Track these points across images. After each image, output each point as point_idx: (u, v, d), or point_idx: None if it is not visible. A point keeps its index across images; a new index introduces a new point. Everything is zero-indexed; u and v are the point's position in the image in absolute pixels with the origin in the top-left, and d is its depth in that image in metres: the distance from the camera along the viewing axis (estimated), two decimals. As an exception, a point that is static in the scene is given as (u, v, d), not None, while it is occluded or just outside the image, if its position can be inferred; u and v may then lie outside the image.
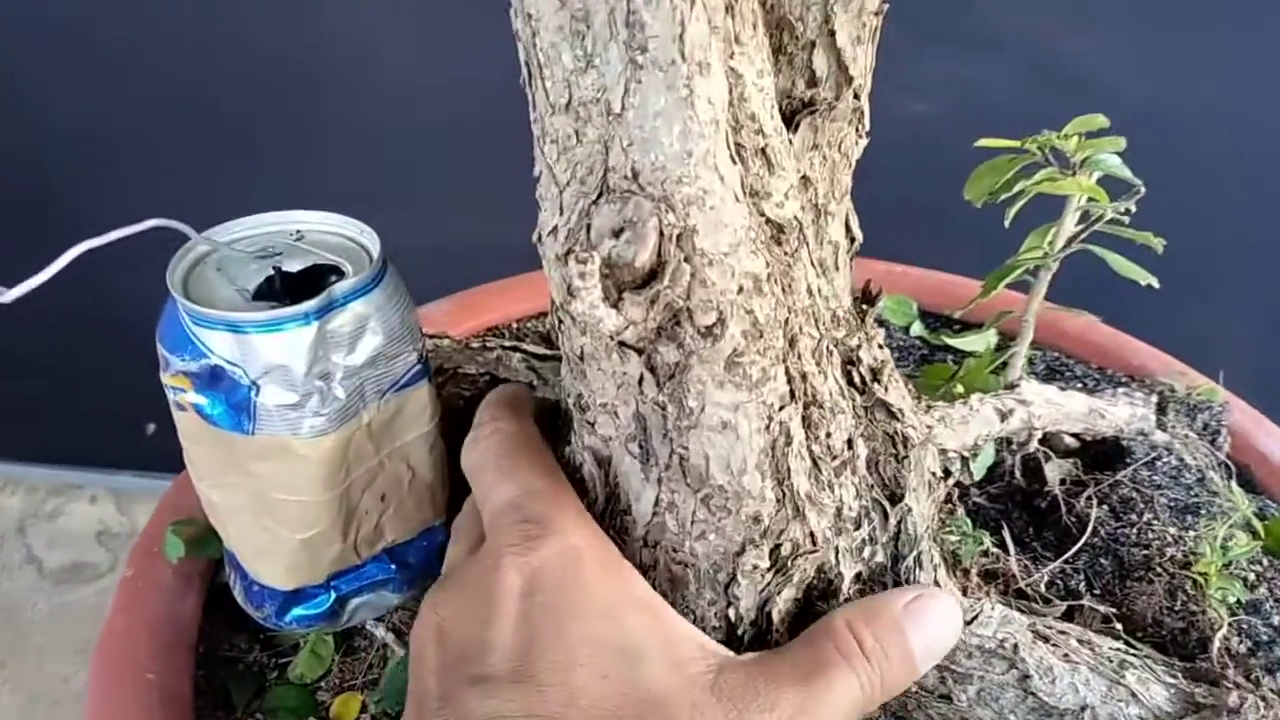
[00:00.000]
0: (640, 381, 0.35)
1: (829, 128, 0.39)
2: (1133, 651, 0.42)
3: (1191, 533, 0.50)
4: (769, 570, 0.38)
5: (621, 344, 0.34)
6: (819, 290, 0.39)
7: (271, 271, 0.42)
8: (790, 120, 0.38)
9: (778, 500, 0.37)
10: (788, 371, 0.36)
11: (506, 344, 0.58)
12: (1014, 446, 0.54)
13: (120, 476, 1.32)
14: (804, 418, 0.38)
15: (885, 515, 0.41)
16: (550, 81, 0.32)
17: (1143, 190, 0.46)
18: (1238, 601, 0.47)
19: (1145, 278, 0.48)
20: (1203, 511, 0.51)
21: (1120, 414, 0.55)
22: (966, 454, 0.49)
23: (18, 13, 0.97)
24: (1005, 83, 0.88)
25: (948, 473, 0.47)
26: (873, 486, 0.41)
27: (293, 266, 0.43)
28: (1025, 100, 0.84)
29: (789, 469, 0.37)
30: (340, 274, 0.42)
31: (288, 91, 0.99)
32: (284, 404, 0.40)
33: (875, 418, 0.42)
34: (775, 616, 0.39)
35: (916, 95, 0.90)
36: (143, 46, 0.98)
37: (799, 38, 0.37)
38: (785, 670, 0.36)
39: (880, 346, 0.43)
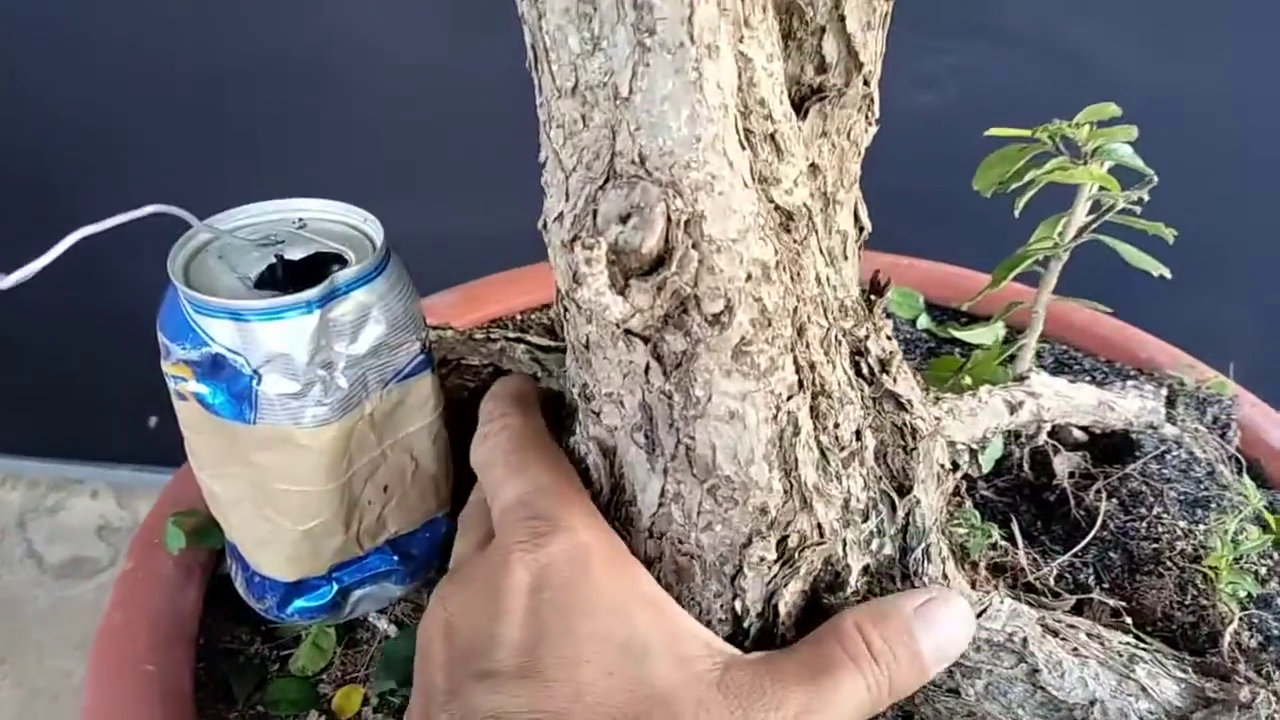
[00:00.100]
0: (646, 370, 0.35)
1: (838, 115, 0.38)
2: (1142, 646, 0.41)
3: (1202, 526, 0.49)
4: (776, 562, 0.38)
5: (628, 332, 0.34)
6: (827, 279, 0.39)
7: (274, 259, 0.42)
8: (799, 107, 0.38)
9: (785, 491, 0.37)
10: (796, 361, 0.36)
11: (510, 335, 0.58)
12: (1022, 439, 0.54)
13: (121, 470, 1.31)
14: (812, 408, 0.37)
15: (893, 507, 0.41)
16: (556, 65, 0.32)
17: (1155, 180, 0.45)
18: (1249, 596, 0.47)
19: (1157, 268, 0.47)
20: (1213, 505, 0.51)
21: (1130, 407, 0.54)
22: (975, 446, 0.48)
23: (18, 3, 0.97)
24: (1012, 73, 0.88)
25: (956, 465, 0.47)
26: (881, 478, 0.41)
27: (295, 255, 0.42)
28: (1032, 91, 0.84)
29: (796, 460, 0.37)
30: (343, 262, 0.42)
31: (290, 82, 0.99)
32: (286, 393, 0.40)
33: (884, 409, 0.41)
34: (782, 609, 0.38)
35: (923, 86, 0.89)
36: (144, 36, 0.97)
37: (809, 23, 0.37)
38: (792, 670, 0.35)
39: (889, 337, 0.43)
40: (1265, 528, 0.50)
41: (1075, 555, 0.49)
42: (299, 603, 0.46)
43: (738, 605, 0.38)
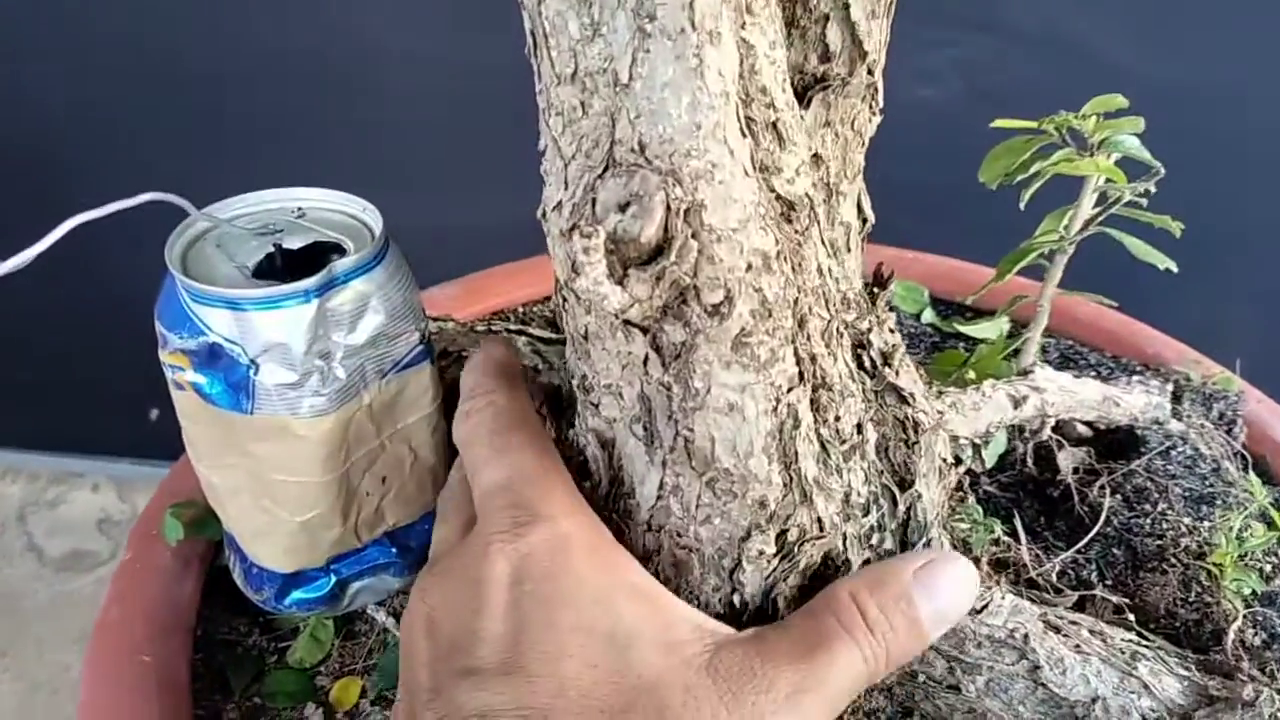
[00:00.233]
0: (645, 362, 0.34)
1: (842, 104, 0.38)
2: (1145, 643, 0.41)
3: (1206, 523, 0.49)
4: (775, 556, 0.37)
5: (626, 323, 0.34)
6: (829, 271, 0.38)
7: (272, 249, 0.42)
8: (802, 96, 0.37)
9: (785, 484, 0.37)
10: (796, 353, 0.36)
11: (512, 327, 0.57)
12: (1026, 434, 0.53)
13: (122, 464, 1.31)
14: (813, 400, 0.37)
15: (894, 501, 0.40)
16: (556, 51, 0.31)
17: (1162, 172, 0.45)
18: (1253, 593, 0.46)
19: (1163, 262, 0.47)
20: (1218, 502, 0.50)
21: (1135, 402, 0.54)
22: (978, 441, 0.48)
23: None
24: (1015, 66, 0.87)
25: (959, 460, 0.46)
26: (882, 472, 0.41)
27: (294, 244, 0.42)
28: (1035, 84, 0.83)
29: (796, 453, 0.36)
30: (342, 252, 0.41)
31: (290, 72, 0.99)
32: (283, 383, 0.39)
33: (885, 402, 0.41)
34: (781, 604, 0.38)
35: (926, 79, 0.89)
36: (143, 28, 0.97)
37: (812, 10, 0.36)
38: (784, 647, 0.34)
39: (891, 330, 0.42)
40: (1270, 524, 0.49)
41: (1078, 551, 0.48)
42: (297, 594, 0.46)
43: (736, 599, 0.38)
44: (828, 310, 0.38)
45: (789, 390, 0.35)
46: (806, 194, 0.36)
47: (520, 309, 0.71)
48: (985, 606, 0.40)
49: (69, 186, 1.02)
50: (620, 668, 0.33)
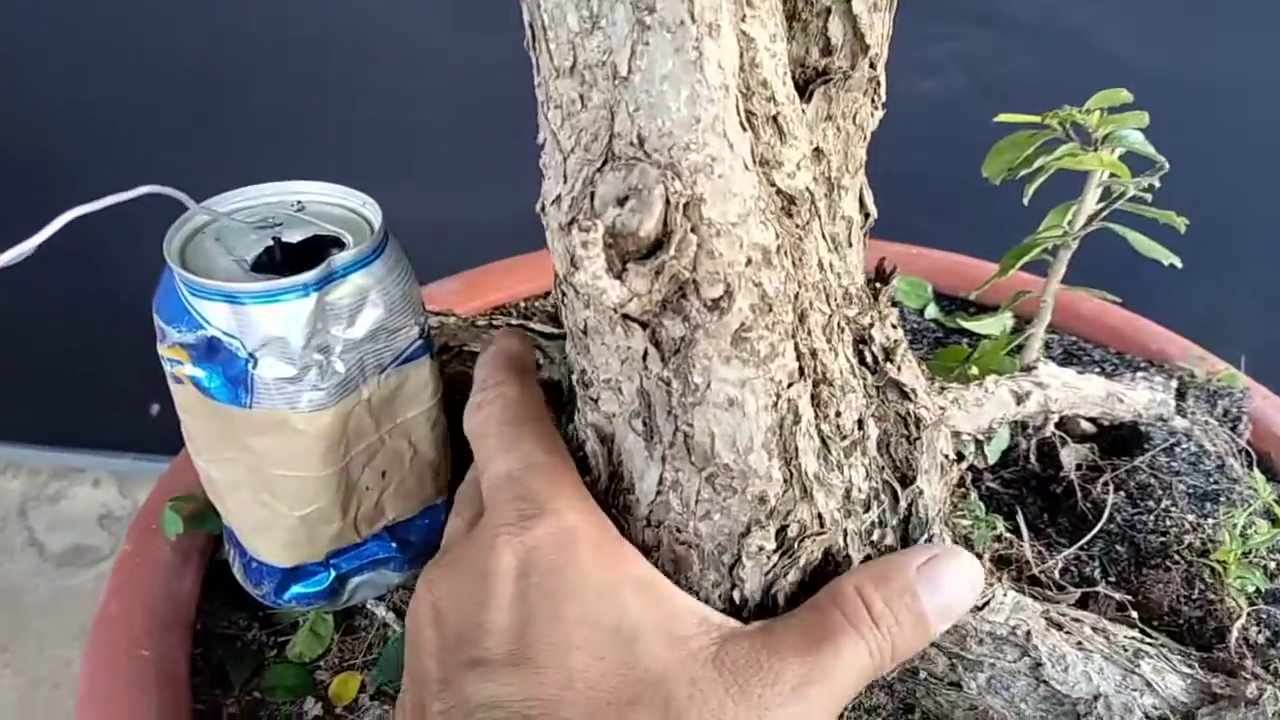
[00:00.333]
0: (644, 356, 0.34)
1: (844, 98, 0.38)
2: (1148, 640, 0.41)
3: (1210, 520, 0.49)
4: (775, 552, 0.37)
5: (625, 317, 0.33)
6: (831, 266, 0.38)
7: (271, 242, 0.42)
8: (804, 90, 0.37)
9: (785, 480, 0.36)
10: (797, 348, 0.35)
11: (513, 322, 0.57)
12: (1029, 430, 0.53)
13: (123, 459, 1.31)
14: (813, 396, 0.37)
15: (896, 498, 0.40)
16: (554, 44, 0.31)
17: (1166, 167, 0.45)
18: (1257, 590, 0.46)
19: (1168, 257, 0.47)
20: (1222, 499, 0.50)
21: (1139, 399, 0.54)
22: (981, 437, 0.48)
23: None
24: (1016, 60, 0.87)
25: (961, 456, 0.46)
26: (883, 468, 0.40)
27: (293, 237, 0.42)
28: (1037, 78, 0.83)
29: (797, 448, 0.36)
30: (341, 246, 0.41)
31: (290, 65, 0.98)
32: (282, 377, 0.39)
33: (887, 398, 0.41)
34: (781, 600, 0.38)
35: (927, 73, 0.88)
36: (143, 19, 0.97)
37: (814, 3, 0.36)
38: (790, 640, 0.35)
39: (894, 326, 0.42)
40: (1275, 522, 0.49)
41: (1081, 548, 0.48)
42: (296, 589, 0.46)
43: (736, 595, 0.38)
44: (829, 305, 0.37)
45: (789, 385, 0.35)
46: (807, 188, 0.35)
47: (521, 304, 0.71)
48: (987, 603, 0.39)
49: (67, 180, 1.02)
50: (627, 660, 0.33)
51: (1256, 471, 0.53)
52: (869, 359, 0.41)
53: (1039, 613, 0.40)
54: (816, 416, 0.37)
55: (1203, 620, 0.45)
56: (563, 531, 0.35)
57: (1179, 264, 0.47)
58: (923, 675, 0.40)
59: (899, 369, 0.41)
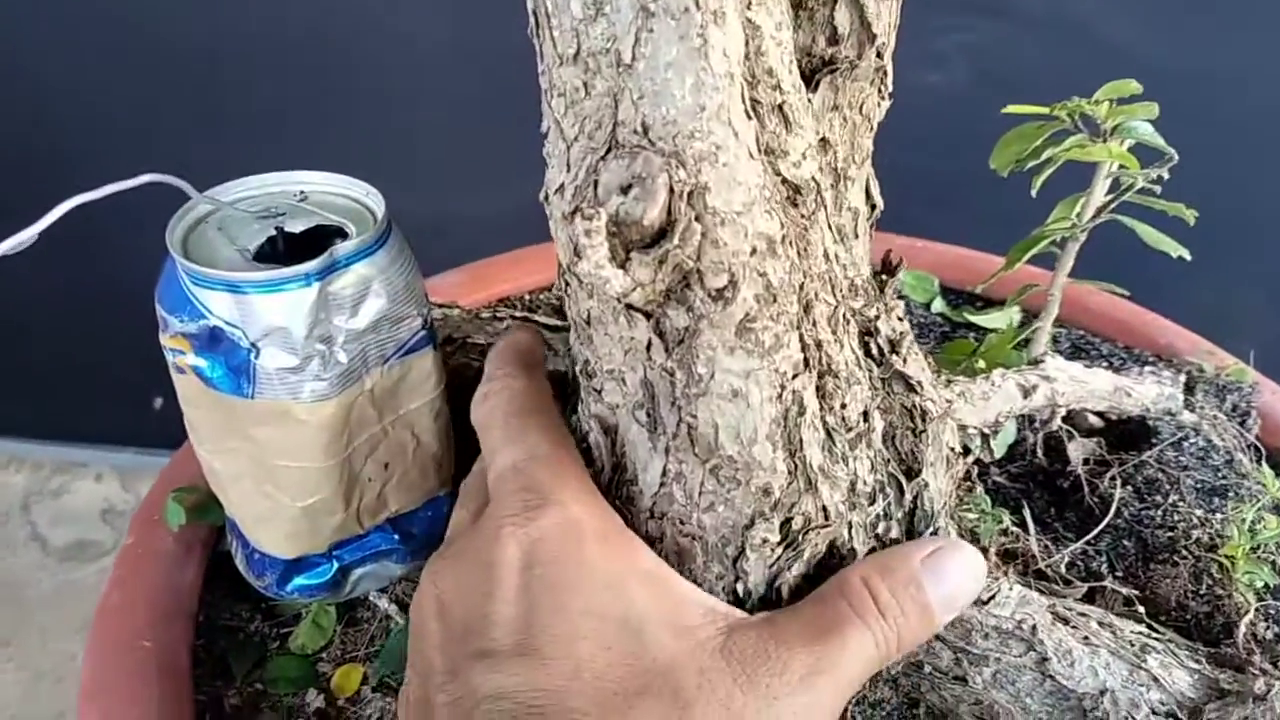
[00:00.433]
0: (648, 347, 0.34)
1: (850, 88, 0.37)
2: (1155, 635, 0.40)
3: (1218, 515, 0.48)
4: (779, 544, 0.37)
5: (629, 307, 0.33)
6: (836, 257, 0.38)
7: (274, 232, 0.41)
8: (810, 79, 0.37)
9: (789, 472, 0.36)
10: (802, 339, 0.35)
11: (517, 314, 0.57)
12: (1036, 424, 0.53)
13: (125, 453, 1.31)
14: (818, 387, 0.36)
15: (901, 490, 0.40)
16: (558, 31, 0.31)
17: (1176, 158, 0.44)
18: (1265, 586, 0.46)
19: (1176, 249, 0.46)
20: (1230, 494, 0.50)
21: (1147, 393, 0.53)
22: (987, 431, 0.47)
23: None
24: (1022, 51, 0.86)
25: (967, 450, 0.46)
26: (889, 461, 0.40)
27: (295, 227, 0.42)
28: (1043, 69, 0.82)
29: (801, 440, 0.36)
30: (344, 235, 0.41)
31: (295, 56, 0.98)
32: (284, 367, 0.39)
33: (893, 390, 0.41)
34: (785, 592, 0.38)
35: (933, 65, 0.88)
36: (146, 9, 0.97)
37: (820, -9, 0.36)
38: (797, 630, 0.35)
39: (900, 318, 0.42)
40: (1284, 517, 0.49)
41: (1088, 543, 0.48)
42: (299, 580, 0.46)
43: (740, 588, 0.37)
44: (834, 296, 0.37)
45: (794, 377, 0.35)
46: (813, 178, 0.35)
47: (526, 296, 0.71)
48: (993, 597, 0.39)
49: (69, 168, 1.01)
50: (634, 650, 0.33)
51: (1265, 466, 0.53)
52: (874, 351, 0.40)
53: (1045, 607, 0.40)
54: (821, 408, 0.37)
55: (1210, 615, 0.44)
56: (567, 523, 0.35)
57: (1188, 256, 0.47)
58: (928, 670, 0.40)
59: (905, 361, 0.41)
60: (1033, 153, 0.46)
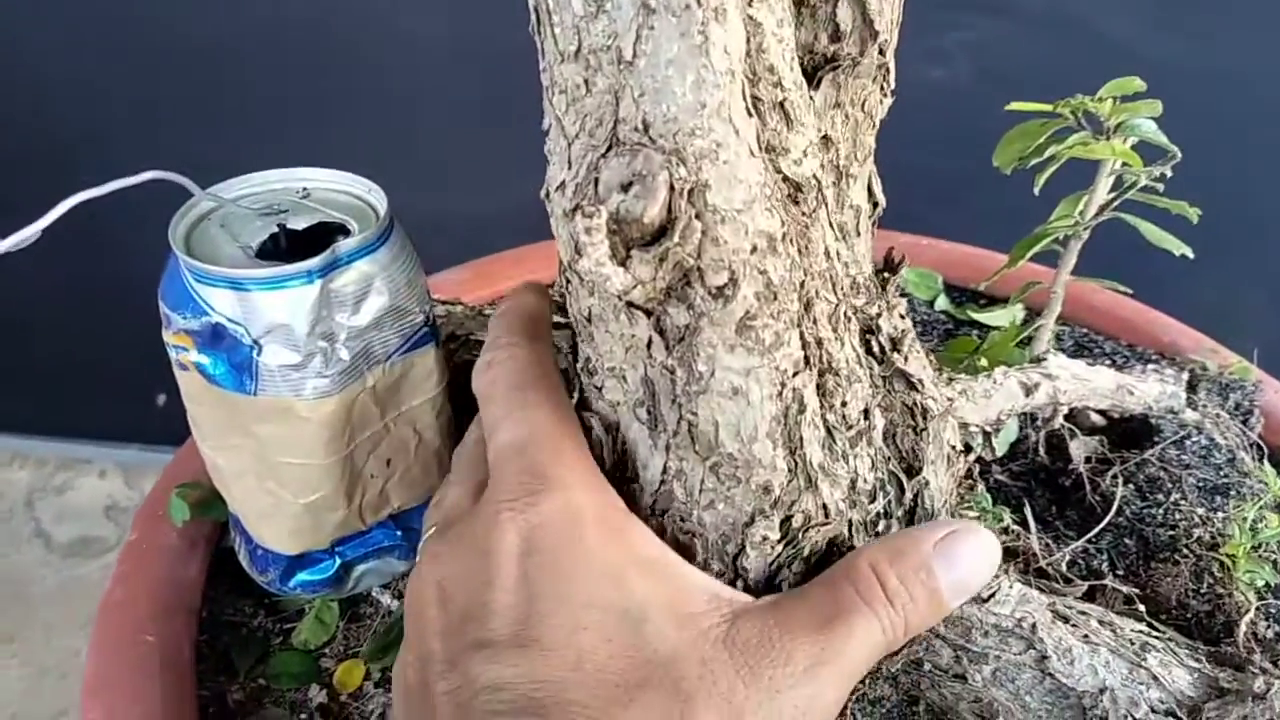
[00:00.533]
0: (648, 344, 0.34)
1: (852, 85, 0.37)
2: (1155, 634, 0.40)
3: (1220, 514, 0.48)
4: (779, 542, 0.37)
5: (629, 305, 0.33)
6: (838, 254, 0.38)
7: (276, 229, 0.42)
8: (812, 76, 0.37)
9: (789, 470, 0.36)
10: (802, 336, 0.35)
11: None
12: (1038, 422, 0.53)
13: (129, 450, 1.31)
14: (819, 385, 0.36)
15: (901, 489, 0.40)
16: (559, 28, 0.31)
17: (1179, 156, 0.44)
18: (1266, 585, 0.46)
19: (1179, 247, 0.46)
20: (1232, 492, 0.50)
21: (1149, 391, 0.53)
22: (989, 429, 0.47)
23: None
24: (1024, 49, 0.86)
25: (968, 448, 0.46)
26: (889, 459, 0.40)
27: (298, 224, 0.42)
28: (1044, 66, 0.82)
29: (802, 438, 0.36)
30: (346, 233, 0.41)
31: (296, 53, 0.98)
32: (286, 364, 0.39)
33: (894, 388, 0.41)
34: (785, 590, 0.38)
35: (934, 61, 0.88)
36: (149, 5, 0.97)
37: (821, -12, 0.35)
38: (802, 617, 0.34)
39: (901, 316, 0.42)
40: (1286, 516, 0.49)
41: (1089, 541, 0.48)
42: (301, 576, 0.46)
43: (740, 585, 0.37)
44: (835, 294, 0.37)
45: (794, 374, 0.35)
46: (814, 176, 0.35)
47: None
48: (993, 595, 0.39)
49: (72, 165, 1.02)
50: (635, 642, 0.33)
51: (1267, 465, 0.53)
52: (876, 349, 0.40)
53: (1045, 605, 0.40)
54: (822, 406, 0.37)
55: (1211, 614, 0.44)
56: (568, 509, 0.35)
57: (1191, 254, 0.47)
58: (927, 667, 0.40)
59: (906, 359, 0.40)
60: (1036, 150, 0.46)
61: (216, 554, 0.51)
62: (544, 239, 0.71)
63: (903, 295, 0.43)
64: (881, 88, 0.39)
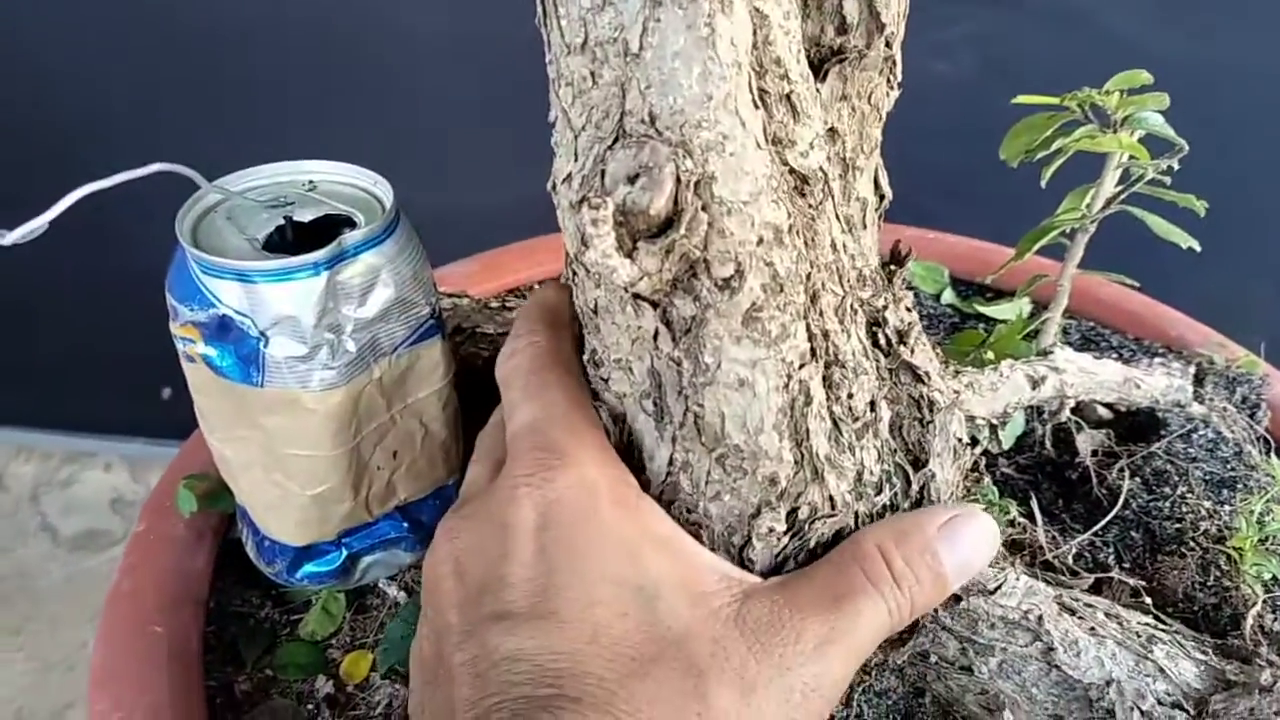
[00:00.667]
0: (655, 336, 0.34)
1: (859, 77, 0.37)
2: (1162, 626, 0.40)
3: (1227, 507, 0.48)
4: (785, 534, 0.37)
5: (636, 296, 0.33)
6: (844, 247, 0.38)
7: (283, 221, 0.42)
8: (818, 69, 0.37)
9: (796, 462, 0.36)
10: (809, 328, 0.35)
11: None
12: (1045, 416, 0.53)
13: (134, 443, 1.32)
14: (825, 377, 0.36)
15: (908, 481, 0.40)
16: (566, 20, 0.31)
17: (1186, 149, 0.44)
18: (1273, 578, 0.46)
19: (1186, 240, 0.46)
20: (1239, 486, 0.50)
21: (1156, 384, 0.53)
22: (995, 422, 0.47)
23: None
24: (1029, 42, 0.86)
25: (975, 440, 0.46)
26: (895, 451, 0.40)
27: (304, 216, 0.42)
28: (1049, 58, 0.82)
29: (808, 430, 0.36)
30: (353, 225, 0.41)
31: (304, 45, 0.98)
32: (293, 356, 0.39)
33: (900, 380, 0.41)
34: (792, 577, 0.38)
35: (940, 55, 0.88)
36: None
37: (828, -19, 0.35)
38: (811, 597, 0.35)
39: (908, 308, 0.42)
40: (1293, 509, 0.49)
41: (1096, 534, 0.48)
42: (309, 567, 0.46)
43: (746, 577, 0.38)
44: (841, 286, 0.37)
45: (800, 366, 0.35)
46: (821, 168, 0.35)
47: (536, 286, 0.71)
48: (999, 587, 0.39)
49: (79, 157, 1.02)
50: (649, 619, 0.33)
51: (1274, 458, 0.53)
52: (882, 341, 0.40)
53: (1052, 598, 0.40)
54: (828, 398, 0.37)
55: (1218, 607, 0.44)
56: (583, 484, 0.35)
57: (1198, 248, 0.46)
58: (934, 659, 0.40)
59: (912, 351, 0.41)
60: (1043, 143, 0.46)
61: (224, 545, 0.51)
62: (551, 231, 0.70)
63: (909, 288, 0.42)
64: (888, 80, 0.39)
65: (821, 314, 0.36)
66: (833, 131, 0.38)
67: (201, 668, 0.45)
